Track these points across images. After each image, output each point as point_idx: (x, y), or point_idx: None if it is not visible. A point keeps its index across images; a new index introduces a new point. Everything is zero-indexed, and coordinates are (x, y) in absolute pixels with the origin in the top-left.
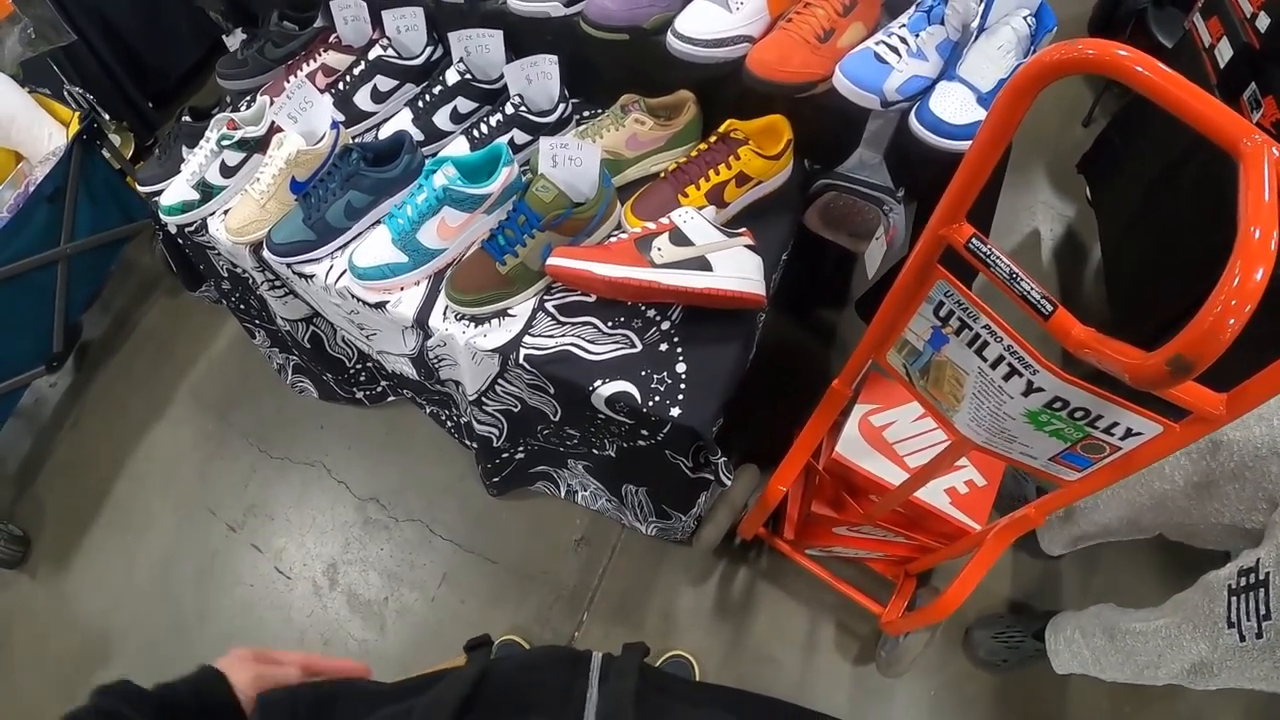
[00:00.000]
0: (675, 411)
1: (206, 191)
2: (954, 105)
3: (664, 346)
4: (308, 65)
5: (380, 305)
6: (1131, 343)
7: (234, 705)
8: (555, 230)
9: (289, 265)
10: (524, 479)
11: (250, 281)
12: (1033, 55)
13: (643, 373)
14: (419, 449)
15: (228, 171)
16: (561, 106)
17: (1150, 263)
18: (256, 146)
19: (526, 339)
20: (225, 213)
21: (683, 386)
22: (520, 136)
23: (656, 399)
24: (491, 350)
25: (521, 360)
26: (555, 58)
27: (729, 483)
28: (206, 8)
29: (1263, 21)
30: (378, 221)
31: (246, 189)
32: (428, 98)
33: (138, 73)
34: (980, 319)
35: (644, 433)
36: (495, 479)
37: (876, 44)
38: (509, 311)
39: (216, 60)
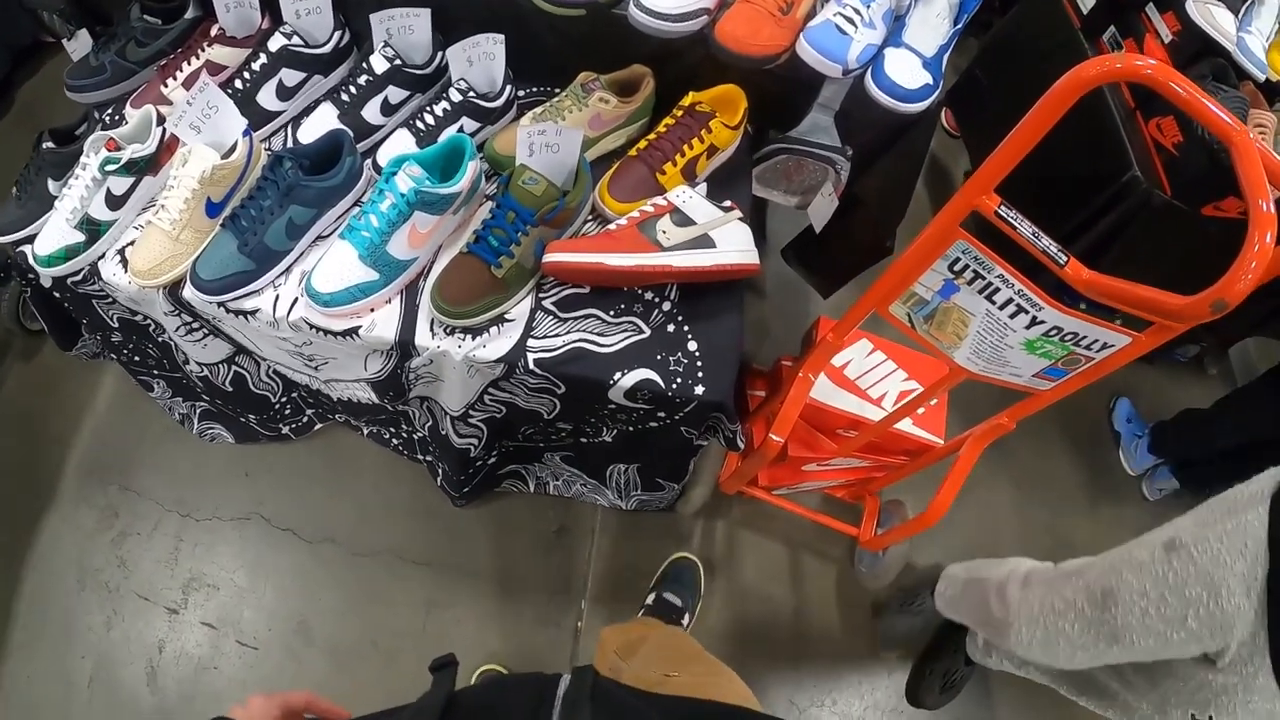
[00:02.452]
0: (700, 390)
1: (93, 230)
2: (906, 71)
3: (671, 327)
4: (188, 64)
5: (350, 332)
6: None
7: None
8: (548, 225)
9: (223, 304)
10: (492, 482)
11: (152, 329)
12: (965, 17)
13: (658, 356)
14: (363, 475)
15: (115, 202)
16: (508, 89)
17: (1028, 193)
18: (147, 167)
19: (531, 342)
20: (123, 253)
21: (699, 363)
22: (469, 124)
23: (679, 380)
24: (496, 360)
25: (531, 366)
26: (500, 37)
27: (742, 446)
28: (40, 8)
29: None
30: (319, 237)
31: (151, 220)
32: (353, 89)
33: None
34: (995, 269)
35: (660, 414)
36: (465, 489)
37: (835, 15)
38: (506, 316)
39: (17, 79)
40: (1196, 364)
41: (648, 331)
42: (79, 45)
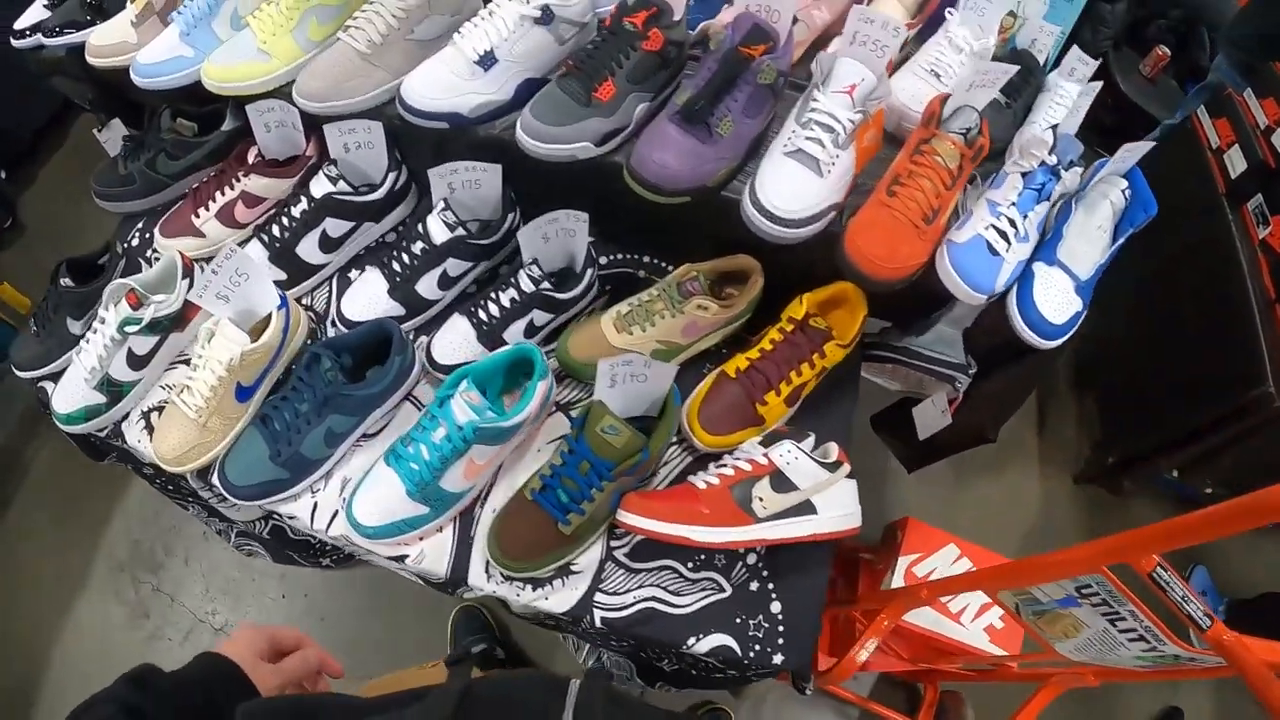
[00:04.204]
0: (779, 659)
1: (115, 392)
2: (1057, 298)
3: (754, 585)
4: (222, 194)
5: (397, 559)
6: (1123, 450)
7: None
8: (628, 476)
9: (258, 504)
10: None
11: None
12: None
13: (738, 619)
14: (401, 612)
15: (138, 362)
16: (589, 274)
17: (1147, 366)
18: (172, 325)
19: (599, 597)
20: (148, 418)
21: (781, 629)
22: (539, 316)
23: (757, 648)
24: (560, 614)
25: (598, 624)
26: (584, 215)
27: (809, 693)
28: (70, 95)
29: None
30: (366, 435)
31: (175, 401)
32: (406, 259)
33: None
34: (1127, 605)
35: (731, 671)
36: None
37: (987, 229)
38: (572, 567)
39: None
40: None
41: (729, 590)
42: (112, 135)
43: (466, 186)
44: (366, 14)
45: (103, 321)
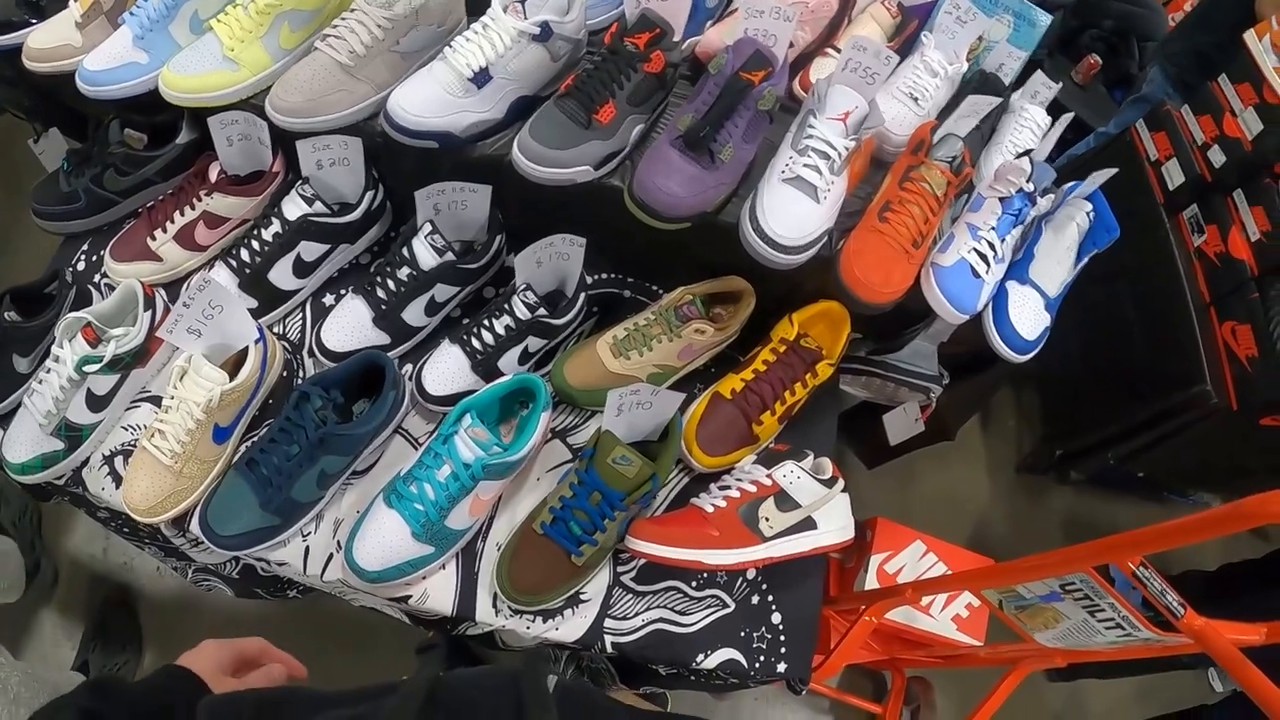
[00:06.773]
0: (782, 666)
1: (74, 436)
2: (1029, 315)
3: (755, 599)
4: (180, 214)
5: (398, 600)
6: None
7: None
8: (638, 505)
9: (244, 555)
10: None
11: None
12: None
13: (742, 633)
14: (370, 636)
15: (98, 403)
16: (580, 299)
17: (1091, 364)
18: (134, 361)
19: (608, 623)
20: (111, 463)
21: (782, 638)
22: (533, 342)
23: (762, 659)
24: (571, 643)
25: (609, 649)
26: (581, 240)
27: (803, 693)
28: (2, 102)
29: (1216, 156)
30: (354, 473)
31: (145, 446)
32: (392, 286)
33: None
34: (1107, 598)
35: (734, 680)
36: None
37: (970, 253)
38: (581, 596)
39: None
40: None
41: (732, 606)
42: (50, 146)
43: (453, 208)
44: (348, 23)
45: (56, 360)
